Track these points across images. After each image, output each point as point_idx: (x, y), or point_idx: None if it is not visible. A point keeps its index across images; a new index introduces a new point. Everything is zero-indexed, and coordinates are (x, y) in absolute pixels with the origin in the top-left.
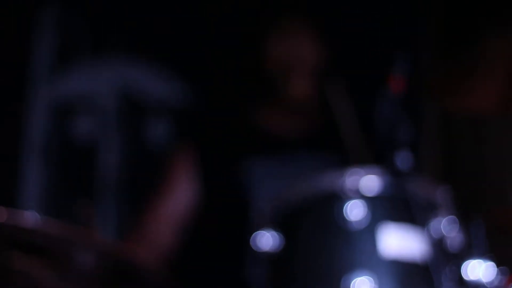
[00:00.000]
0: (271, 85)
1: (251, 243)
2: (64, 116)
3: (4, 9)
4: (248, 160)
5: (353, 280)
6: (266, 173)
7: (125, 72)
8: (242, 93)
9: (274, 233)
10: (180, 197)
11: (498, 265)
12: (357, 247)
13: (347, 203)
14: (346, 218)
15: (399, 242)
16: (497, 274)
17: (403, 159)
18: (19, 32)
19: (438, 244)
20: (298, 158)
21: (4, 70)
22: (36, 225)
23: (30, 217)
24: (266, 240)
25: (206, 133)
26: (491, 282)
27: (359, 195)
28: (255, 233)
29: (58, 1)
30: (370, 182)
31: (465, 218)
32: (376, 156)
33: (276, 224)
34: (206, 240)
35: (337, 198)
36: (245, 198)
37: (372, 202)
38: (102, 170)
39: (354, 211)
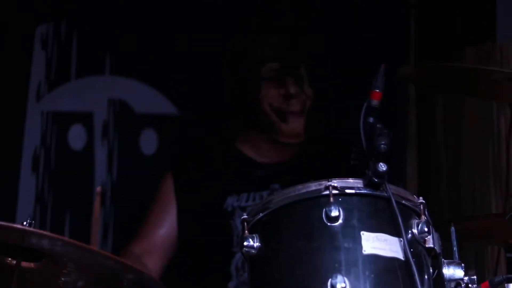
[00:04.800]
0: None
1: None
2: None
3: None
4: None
5: (333, 281)
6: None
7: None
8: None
9: (255, 238)
10: (167, 226)
11: (468, 272)
12: (336, 249)
13: (325, 206)
14: (325, 220)
15: (379, 242)
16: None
17: (382, 168)
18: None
19: (417, 245)
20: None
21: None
22: None
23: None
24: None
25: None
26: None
27: (338, 197)
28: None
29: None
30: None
31: (438, 225)
32: (357, 165)
33: (257, 230)
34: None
35: (316, 202)
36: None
37: (351, 203)
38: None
39: (333, 213)
